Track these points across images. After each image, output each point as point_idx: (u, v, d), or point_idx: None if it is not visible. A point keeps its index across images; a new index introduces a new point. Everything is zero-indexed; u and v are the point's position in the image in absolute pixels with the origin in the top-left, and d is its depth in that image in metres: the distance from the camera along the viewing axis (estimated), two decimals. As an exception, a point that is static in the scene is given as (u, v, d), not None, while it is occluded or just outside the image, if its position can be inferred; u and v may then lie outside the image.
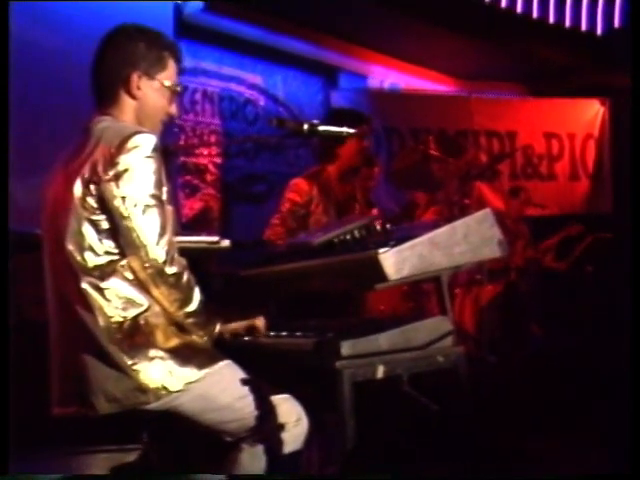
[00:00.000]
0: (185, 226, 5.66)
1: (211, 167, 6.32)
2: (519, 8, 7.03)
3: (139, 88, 2.16)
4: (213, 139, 6.39)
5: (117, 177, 2.00)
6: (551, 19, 7.20)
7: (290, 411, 2.12)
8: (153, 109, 2.20)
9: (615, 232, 6.43)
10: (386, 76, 7.60)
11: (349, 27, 6.47)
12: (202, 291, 2.15)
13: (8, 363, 2.06)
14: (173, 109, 2.25)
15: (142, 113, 2.19)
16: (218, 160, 6.38)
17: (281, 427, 2.08)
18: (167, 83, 2.20)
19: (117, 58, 2.17)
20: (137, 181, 2.01)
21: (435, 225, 2.27)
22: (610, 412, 3.37)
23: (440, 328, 2.20)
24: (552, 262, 6.43)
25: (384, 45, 6.99)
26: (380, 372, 2.04)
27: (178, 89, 2.25)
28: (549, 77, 7.76)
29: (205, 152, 6.25)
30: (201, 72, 6.26)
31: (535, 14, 7.13)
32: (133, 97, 2.17)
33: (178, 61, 2.25)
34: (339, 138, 3.56)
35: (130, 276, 2.05)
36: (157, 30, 2.24)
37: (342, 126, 2.66)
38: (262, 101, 6.70)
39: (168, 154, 3.02)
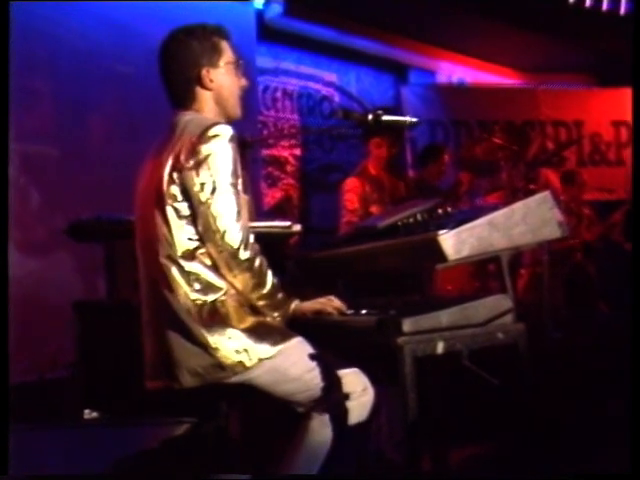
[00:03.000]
0: (267, 213, 5.70)
1: (291, 159, 6.34)
2: (588, 2, 6.73)
3: (212, 80, 2.17)
4: (293, 133, 6.43)
5: (198, 165, 2.01)
6: (622, 10, 6.86)
7: (357, 381, 2.09)
8: (228, 91, 2.20)
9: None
10: (453, 72, 7.48)
11: (417, 27, 6.40)
12: (277, 271, 2.13)
13: (8, 363, 2.07)
14: (243, 81, 2.24)
15: (221, 98, 2.19)
16: (297, 152, 6.39)
17: (348, 396, 2.05)
18: (232, 63, 2.20)
19: (180, 64, 2.18)
20: (215, 168, 2.01)
21: (495, 208, 2.21)
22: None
23: (500, 306, 2.13)
24: (620, 237, 6.17)
25: (451, 42, 6.90)
26: (440, 348, 1.99)
27: (238, 63, 2.23)
28: (618, 67, 7.47)
29: (285, 145, 6.27)
30: (281, 72, 6.29)
31: (605, 6, 6.80)
32: (209, 89, 2.18)
33: (228, 38, 2.23)
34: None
35: (209, 262, 2.04)
36: (200, 23, 2.23)
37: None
38: (337, 97, 6.68)
39: (246, 146, 3.01)
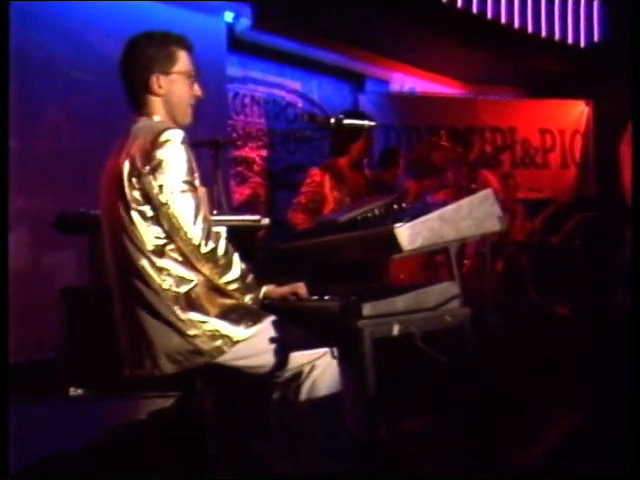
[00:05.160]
0: (236, 209, 5.65)
1: (258, 159, 6.29)
2: (516, 23, 6.99)
3: (160, 87, 2.09)
4: (260, 136, 6.39)
5: (154, 170, 1.94)
6: (543, 33, 7.15)
7: (319, 358, 2.06)
8: (178, 98, 2.11)
9: (598, 211, 6.33)
10: (405, 81, 7.50)
11: (374, 40, 6.42)
12: (247, 261, 2.09)
13: (7, 363, 2.01)
14: (196, 91, 2.15)
15: (170, 105, 2.11)
16: (264, 153, 6.35)
17: (314, 368, 2.04)
18: (185, 73, 2.11)
19: (134, 68, 2.10)
20: (170, 171, 1.95)
21: (444, 204, 2.20)
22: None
23: (448, 292, 2.12)
24: (541, 230, 6.25)
25: (403, 55, 6.94)
26: (396, 330, 1.97)
27: (192, 74, 2.14)
28: (543, 81, 7.63)
29: (253, 147, 6.22)
30: (250, 80, 6.24)
31: (530, 29, 7.09)
32: (157, 95, 2.09)
33: (188, 50, 2.14)
34: (353, 136, 3.63)
35: (178, 257, 1.99)
36: (164, 31, 2.14)
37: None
38: (300, 103, 6.64)
39: (219, 147, 2.96)
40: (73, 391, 2.69)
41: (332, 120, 2.46)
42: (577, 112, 7.93)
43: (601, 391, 3.01)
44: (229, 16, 5.72)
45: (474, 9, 6.70)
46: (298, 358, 2.03)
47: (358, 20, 5.85)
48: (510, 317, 4.94)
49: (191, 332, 1.96)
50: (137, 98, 2.11)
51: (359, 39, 6.36)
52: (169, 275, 1.98)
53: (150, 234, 1.98)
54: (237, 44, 5.86)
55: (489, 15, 6.80)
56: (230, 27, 5.77)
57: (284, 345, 2.03)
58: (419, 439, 2.58)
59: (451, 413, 2.55)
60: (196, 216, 1.95)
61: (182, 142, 1.97)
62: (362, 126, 2.60)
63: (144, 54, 2.08)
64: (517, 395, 3.15)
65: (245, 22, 5.78)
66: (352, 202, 3.67)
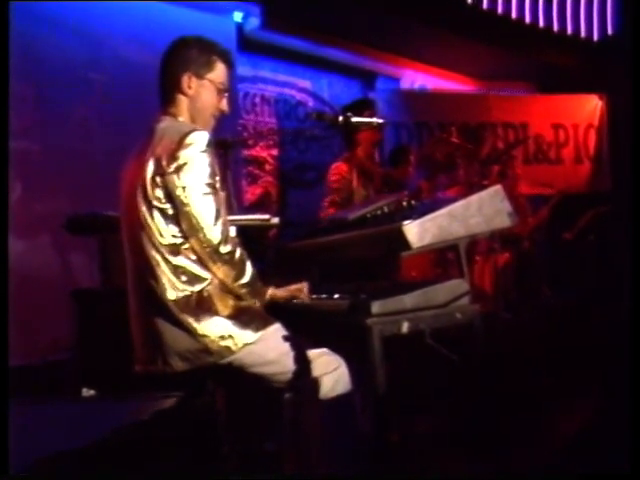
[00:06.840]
0: (247, 209, 5.65)
1: (269, 159, 6.28)
2: (527, 18, 6.96)
3: (190, 87, 2.12)
4: (270, 135, 6.39)
5: (178, 170, 1.96)
6: (555, 27, 7.12)
7: (329, 361, 2.08)
8: (203, 104, 2.14)
9: (613, 207, 6.26)
10: (416, 78, 7.45)
11: (384, 38, 6.37)
12: (258, 260, 2.10)
13: (8, 364, 2.02)
14: (223, 105, 2.18)
15: (194, 109, 2.14)
16: (275, 153, 6.33)
17: (322, 375, 2.04)
18: (217, 83, 2.15)
19: (174, 63, 2.14)
20: (195, 172, 1.97)
21: (453, 200, 2.19)
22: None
23: (458, 289, 2.11)
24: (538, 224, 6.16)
25: (414, 52, 6.90)
26: (405, 328, 1.97)
27: (223, 87, 2.17)
28: (555, 76, 7.57)
29: (264, 146, 6.22)
30: (260, 80, 6.24)
31: (541, 23, 7.05)
32: (185, 95, 2.12)
33: (228, 65, 2.18)
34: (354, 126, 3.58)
35: (193, 256, 2.01)
36: (214, 40, 2.18)
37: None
38: (311, 102, 6.62)
39: (228, 146, 2.96)
40: (86, 392, 2.70)
41: (340, 118, 2.46)
42: (591, 106, 7.86)
43: (603, 390, 2.99)
44: (238, 16, 5.73)
45: (484, 4, 6.67)
46: (308, 361, 2.04)
47: (368, 18, 5.83)
48: (523, 314, 4.91)
49: (201, 332, 1.98)
50: (167, 94, 2.14)
51: (369, 37, 6.33)
52: (184, 273, 2.00)
53: (168, 232, 2.00)
54: (247, 44, 5.85)
55: (499, 10, 6.76)
56: (239, 27, 5.77)
57: (292, 350, 2.04)
58: (423, 439, 2.56)
59: (456, 412, 2.53)
60: (217, 218, 1.98)
61: (207, 145, 2.00)
62: (370, 124, 2.60)
63: (186, 53, 2.13)
64: (526, 395, 3.12)
65: (254, 22, 5.78)
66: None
